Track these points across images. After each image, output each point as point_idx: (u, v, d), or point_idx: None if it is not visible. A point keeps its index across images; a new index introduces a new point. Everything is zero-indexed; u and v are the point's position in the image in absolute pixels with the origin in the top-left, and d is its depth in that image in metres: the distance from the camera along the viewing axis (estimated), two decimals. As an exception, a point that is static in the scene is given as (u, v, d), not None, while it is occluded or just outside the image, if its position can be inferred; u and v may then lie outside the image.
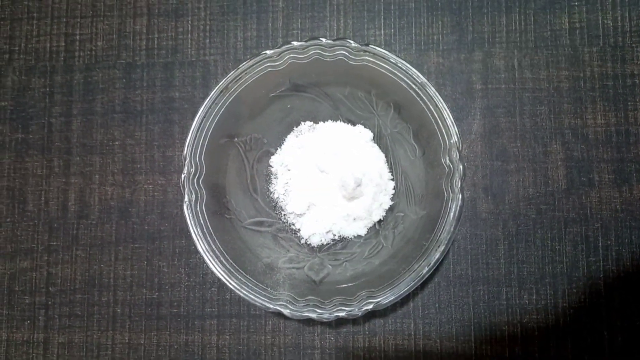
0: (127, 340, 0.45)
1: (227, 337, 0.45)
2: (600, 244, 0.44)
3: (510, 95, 0.45)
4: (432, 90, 0.38)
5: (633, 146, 0.44)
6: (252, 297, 0.37)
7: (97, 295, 0.46)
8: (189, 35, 0.48)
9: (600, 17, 0.46)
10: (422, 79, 0.38)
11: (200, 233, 0.38)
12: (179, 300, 0.45)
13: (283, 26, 0.48)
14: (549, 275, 0.44)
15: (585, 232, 0.44)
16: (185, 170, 0.38)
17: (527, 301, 0.43)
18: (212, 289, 0.45)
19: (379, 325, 0.44)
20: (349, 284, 0.40)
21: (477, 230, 0.44)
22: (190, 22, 0.48)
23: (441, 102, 0.38)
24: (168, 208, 0.46)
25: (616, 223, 0.44)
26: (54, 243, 0.47)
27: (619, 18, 0.46)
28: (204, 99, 0.39)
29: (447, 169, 0.38)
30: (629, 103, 0.45)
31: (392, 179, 0.44)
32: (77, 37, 0.49)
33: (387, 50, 0.38)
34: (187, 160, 0.38)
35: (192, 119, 0.38)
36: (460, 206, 0.37)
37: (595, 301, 0.43)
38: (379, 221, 0.43)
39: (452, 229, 0.37)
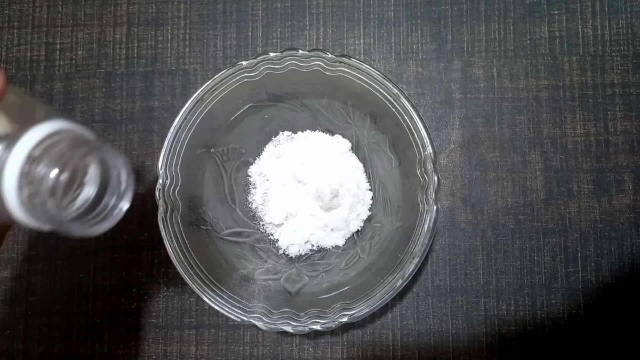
0: (105, 351, 0.45)
1: (206, 347, 0.45)
2: (579, 254, 0.44)
3: (489, 104, 0.45)
4: (406, 102, 0.37)
5: (612, 156, 0.44)
6: (226, 309, 0.37)
7: (77, 305, 0.46)
8: (169, 44, 0.48)
9: (580, 26, 0.46)
10: (396, 90, 0.38)
11: (175, 245, 0.38)
12: (157, 310, 0.45)
13: (263, 35, 0.47)
14: (527, 285, 0.43)
15: (564, 242, 0.44)
16: (160, 182, 0.38)
17: (505, 312, 0.43)
18: (191, 299, 0.45)
19: (357, 336, 0.44)
20: (325, 296, 0.39)
21: (456, 240, 0.44)
22: (170, 31, 0.48)
23: (415, 114, 0.37)
24: (147, 218, 0.46)
25: (595, 234, 0.44)
26: (34, 253, 0.47)
27: (599, 27, 0.45)
28: (182, 108, 0.39)
29: (422, 181, 0.38)
30: (609, 112, 0.45)
31: (370, 189, 0.43)
32: (58, 46, 0.49)
33: (364, 61, 0.38)
34: (162, 171, 0.38)
35: (171, 129, 0.38)
36: (434, 218, 0.37)
37: (574, 312, 0.43)
38: (357, 232, 0.43)
39: (426, 241, 0.37)
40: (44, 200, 0.24)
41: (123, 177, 0.27)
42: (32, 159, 0.24)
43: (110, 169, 0.26)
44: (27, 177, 0.24)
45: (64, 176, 0.24)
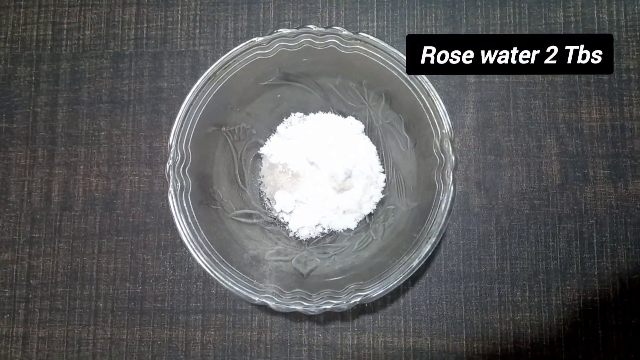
0: (109, 335, 0.44)
1: (212, 332, 0.43)
2: (595, 240, 0.43)
3: (504, 88, 0.45)
4: (424, 79, 0.37)
5: (628, 141, 0.44)
6: (237, 289, 0.36)
7: (79, 288, 0.45)
8: (179, 25, 0.47)
9: (595, 11, 0.45)
10: (414, 67, 0.37)
11: (184, 223, 0.37)
12: (163, 294, 0.44)
13: (274, 17, 0.47)
14: (542, 271, 0.43)
15: (579, 228, 0.43)
16: (170, 159, 0.37)
17: (519, 298, 0.42)
18: (198, 283, 0.44)
19: (368, 322, 0.43)
20: (338, 277, 0.38)
21: (470, 225, 0.43)
22: (180, 12, 0.47)
23: (433, 91, 0.37)
24: (154, 200, 0.45)
25: (611, 219, 0.43)
26: (36, 235, 0.45)
27: (614, 12, 0.45)
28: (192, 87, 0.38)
29: (438, 160, 0.37)
30: (625, 98, 0.44)
31: (383, 172, 0.43)
32: (65, 25, 0.48)
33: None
34: (173, 148, 0.37)
35: (180, 109, 0.37)
36: (452, 197, 0.36)
37: (590, 299, 0.42)
38: (369, 214, 0.42)
39: (443, 221, 0.36)
40: None
41: None
42: None
43: None
44: None
45: None
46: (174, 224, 0.36)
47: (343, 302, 0.36)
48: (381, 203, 0.42)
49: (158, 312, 0.44)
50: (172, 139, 0.37)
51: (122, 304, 0.44)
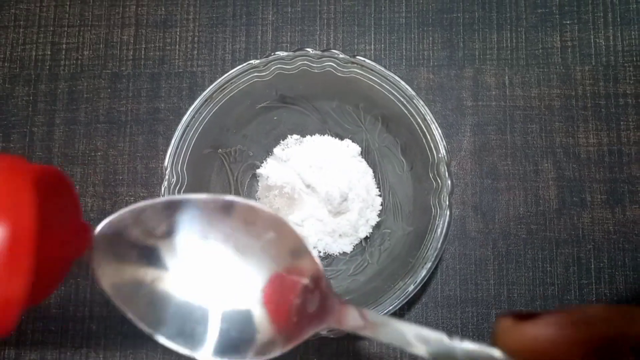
0: (101, 358, 0.43)
1: (206, 356, 0.43)
2: (592, 266, 0.43)
3: (501, 112, 0.45)
4: (420, 103, 0.37)
5: (626, 166, 0.44)
6: (230, 313, 0.36)
7: (73, 310, 0.44)
8: (177, 46, 0.47)
9: (592, 36, 0.45)
10: (411, 91, 0.37)
11: (179, 245, 0.37)
12: (156, 317, 0.44)
13: (272, 39, 0.47)
14: (539, 297, 0.42)
15: (577, 253, 0.43)
16: (165, 180, 0.37)
17: (517, 324, 0.42)
18: (192, 305, 0.44)
19: (363, 348, 0.42)
20: (333, 302, 0.38)
21: (466, 249, 0.43)
22: (178, 33, 0.48)
23: (429, 116, 0.37)
24: (149, 221, 0.45)
25: (609, 245, 0.43)
26: (30, 255, 0.45)
27: (611, 37, 0.45)
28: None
29: (434, 184, 0.37)
30: (622, 123, 0.44)
31: (380, 195, 0.42)
32: (64, 46, 0.48)
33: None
34: (168, 170, 0.37)
35: (177, 130, 0.37)
36: (447, 222, 0.36)
37: (588, 325, 0.42)
38: (365, 238, 0.42)
39: (439, 246, 0.36)
40: None
41: None
42: None
43: None
44: None
45: None
46: (168, 246, 0.36)
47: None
48: (377, 227, 0.42)
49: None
50: (167, 161, 0.37)
51: (116, 326, 0.44)
